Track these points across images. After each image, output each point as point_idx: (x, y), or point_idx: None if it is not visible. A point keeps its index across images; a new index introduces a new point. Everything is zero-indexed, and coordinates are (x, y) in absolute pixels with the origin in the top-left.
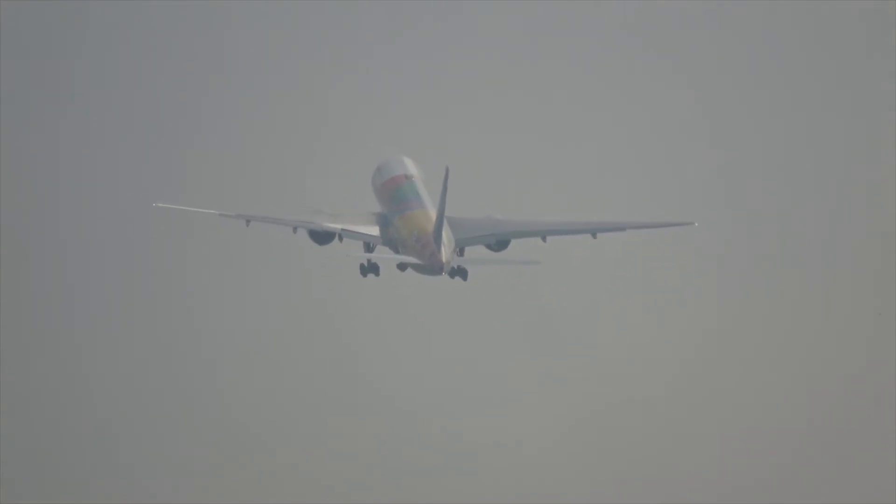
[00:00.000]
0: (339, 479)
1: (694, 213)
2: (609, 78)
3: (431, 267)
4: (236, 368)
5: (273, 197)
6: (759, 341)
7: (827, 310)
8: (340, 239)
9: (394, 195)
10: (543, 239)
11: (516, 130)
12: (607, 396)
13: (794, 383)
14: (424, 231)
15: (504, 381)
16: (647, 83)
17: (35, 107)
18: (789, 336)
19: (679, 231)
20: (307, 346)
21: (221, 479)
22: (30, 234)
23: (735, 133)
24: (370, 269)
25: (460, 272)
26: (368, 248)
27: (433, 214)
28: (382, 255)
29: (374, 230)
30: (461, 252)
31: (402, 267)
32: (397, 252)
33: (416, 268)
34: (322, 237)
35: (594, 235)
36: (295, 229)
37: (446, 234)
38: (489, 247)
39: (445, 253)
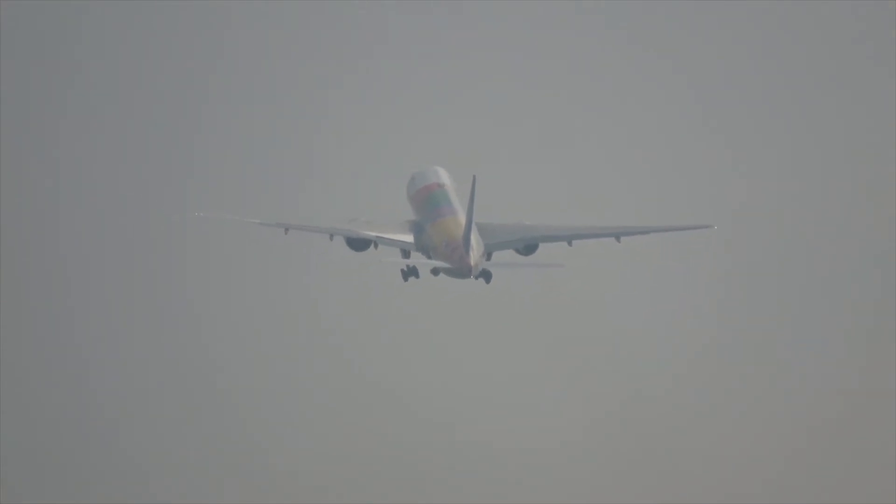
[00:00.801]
0: (356, 481)
1: (713, 214)
2: (627, 86)
3: (461, 270)
4: (286, 366)
5: (306, 207)
6: (776, 342)
7: (840, 309)
8: (376, 246)
9: (426, 203)
10: (569, 243)
11: (543, 138)
12: (625, 396)
13: (813, 385)
14: (454, 236)
15: (526, 381)
16: (666, 91)
17: (35, 107)
18: (808, 338)
19: (698, 233)
20: (346, 343)
21: (233, 481)
22: (29, 235)
23: (750, 136)
24: (410, 272)
25: (484, 274)
26: (405, 254)
27: (463, 220)
28: (415, 260)
29: (408, 237)
30: (489, 256)
31: (435, 271)
32: (429, 257)
33: (447, 271)
34: (358, 244)
35: (618, 239)
36: (332, 237)
37: (475, 239)
38: (518, 251)
39: (474, 257)
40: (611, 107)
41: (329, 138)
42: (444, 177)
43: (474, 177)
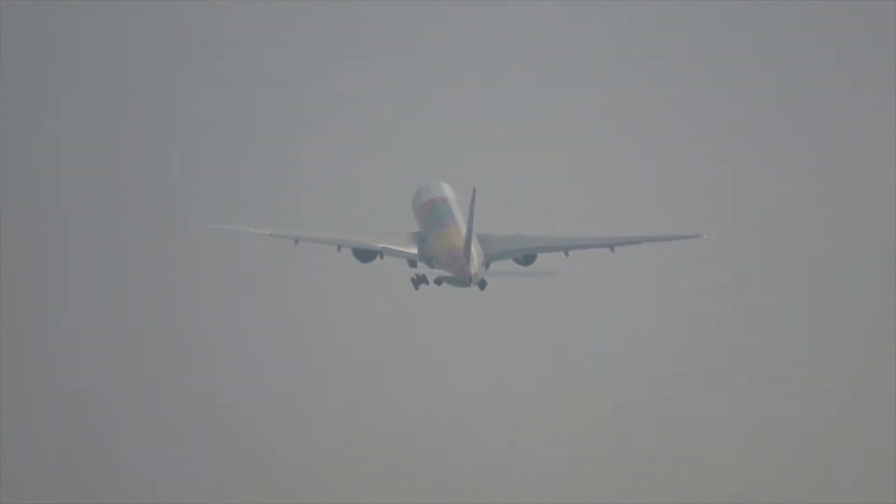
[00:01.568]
0: (349, 482)
1: (709, 224)
2: (625, 96)
3: (461, 279)
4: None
5: (313, 219)
6: (768, 346)
7: (836, 314)
8: (381, 257)
9: (430, 215)
10: (566, 253)
11: (540, 151)
12: (615, 400)
13: (806, 389)
14: (456, 247)
15: (520, 384)
16: (663, 99)
17: (35, 106)
18: (801, 342)
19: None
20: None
21: (234, 482)
22: (30, 235)
23: (747, 145)
24: (420, 280)
25: (480, 283)
26: (411, 264)
27: (464, 232)
28: (419, 270)
29: (412, 248)
30: (488, 265)
31: (438, 281)
32: (432, 267)
33: (449, 280)
34: (365, 255)
35: (612, 249)
36: (339, 248)
37: (475, 249)
38: (517, 261)
39: (474, 266)
40: (609, 115)
41: (336, 152)
42: (448, 190)
43: (474, 189)
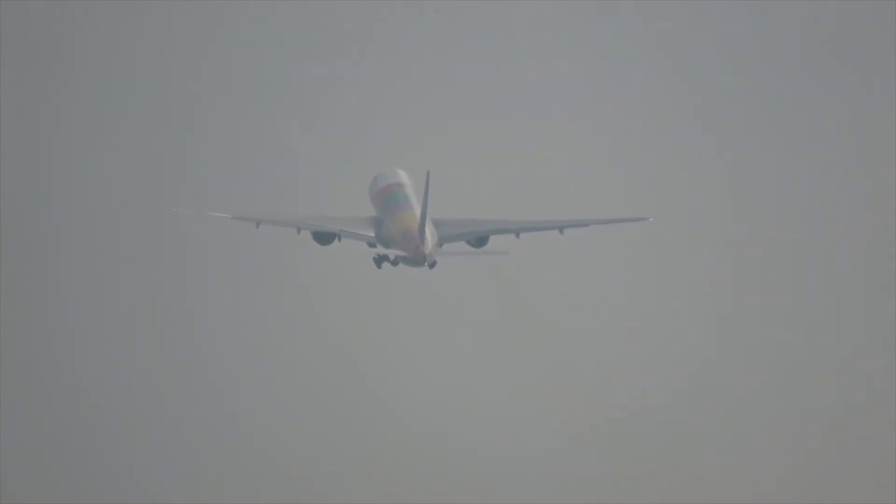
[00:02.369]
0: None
1: (657, 207)
2: (584, 81)
3: (415, 258)
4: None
5: (274, 203)
6: (710, 320)
7: (820, 307)
8: (339, 239)
9: (387, 200)
10: (517, 235)
11: (498, 137)
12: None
13: (777, 379)
14: (410, 229)
15: (473, 367)
16: (660, 95)
17: (35, 106)
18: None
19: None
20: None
21: (225, 480)
22: (29, 236)
23: (742, 141)
24: (381, 259)
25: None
26: (371, 246)
27: (419, 215)
28: (378, 250)
29: (370, 231)
30: (441, 247)
31: (394, 262)
32: (388, 247)
33: (405, 260)
34: (324, 238)
35: (561, 231)
36: (299, 230)
37: (429, 231)
38: (470, 243)
39: (427, 246)
40: (573, 104)
41: (299, 139)
42: (404, 177)
43: (428, 172)
